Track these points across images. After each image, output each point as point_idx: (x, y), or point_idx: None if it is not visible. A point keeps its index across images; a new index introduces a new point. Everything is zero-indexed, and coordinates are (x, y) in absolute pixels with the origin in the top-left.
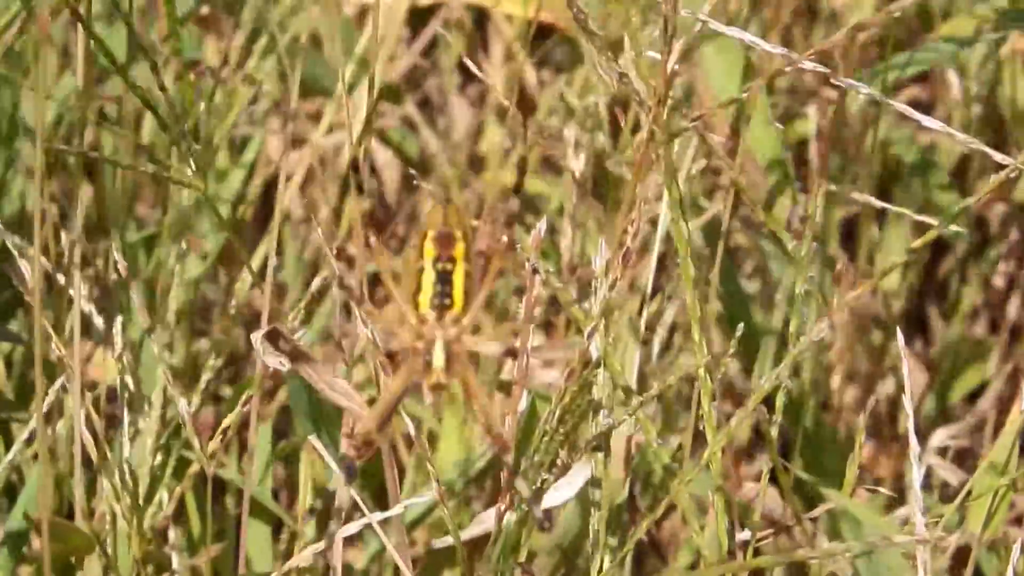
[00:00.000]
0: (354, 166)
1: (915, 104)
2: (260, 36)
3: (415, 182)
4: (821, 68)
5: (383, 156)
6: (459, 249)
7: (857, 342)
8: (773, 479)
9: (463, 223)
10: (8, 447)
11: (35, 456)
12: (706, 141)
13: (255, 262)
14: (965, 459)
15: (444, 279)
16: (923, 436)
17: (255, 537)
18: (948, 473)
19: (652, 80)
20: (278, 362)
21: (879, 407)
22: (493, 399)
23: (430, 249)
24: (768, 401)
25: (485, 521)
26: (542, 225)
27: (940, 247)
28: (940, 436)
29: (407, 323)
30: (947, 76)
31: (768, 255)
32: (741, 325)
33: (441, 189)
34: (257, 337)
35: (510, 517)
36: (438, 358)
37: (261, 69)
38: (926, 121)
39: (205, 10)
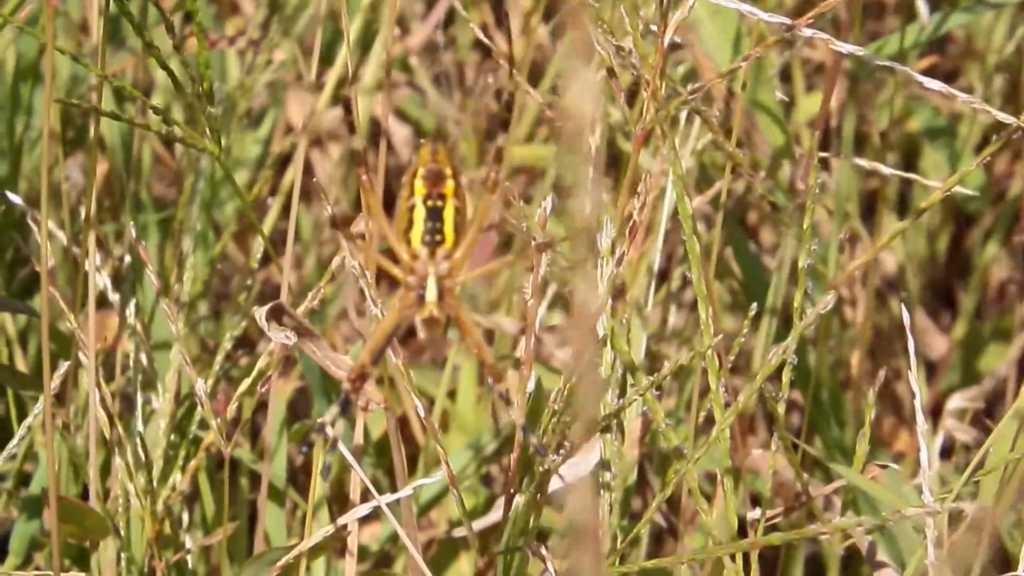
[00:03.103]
0: (346, 107)
1: (935, 73)
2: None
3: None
4: (820, 35)
5: (399, 131)
6: (449, 186)
7: (878, 315)
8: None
9: (452, 161)
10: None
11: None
12: (701, 115)
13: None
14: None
15: (435, 215)
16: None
17: (269, 518)
18: (964, 435)
19: (650, 55)
20: (284, 336)
21: (901, 380)
22: (506, 375)
23: (420, 186)
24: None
25: (496, 511)
26: (548, 203)
27: (969, 220)
28: (957, 400)
29: (400, 259)
30: (970, 43)
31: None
32: (754, 305)
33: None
34: (260, 313)
35: (519, 500)
36: (430, 292)
37: (275, 41)
38: (928, 83)
39: None
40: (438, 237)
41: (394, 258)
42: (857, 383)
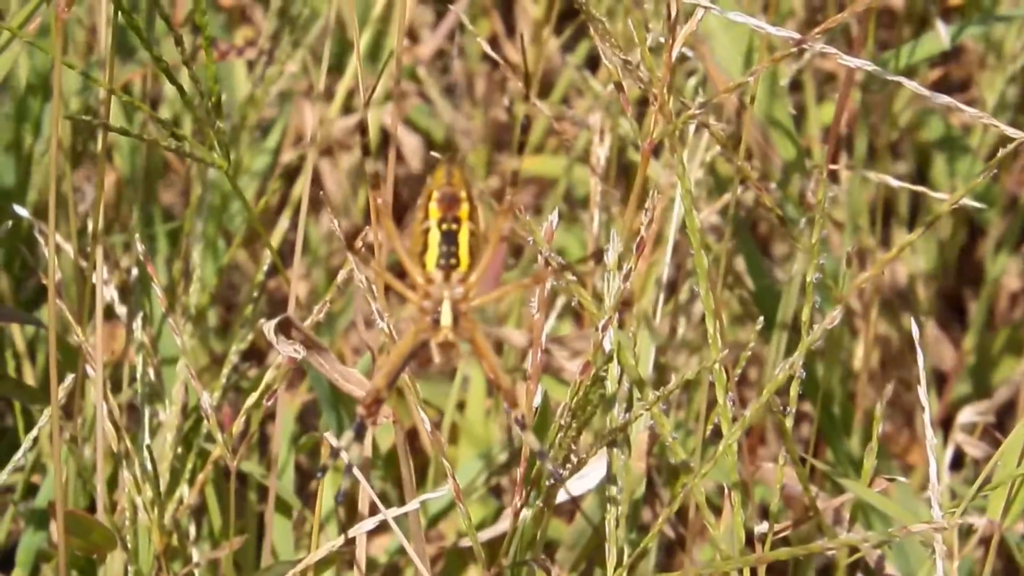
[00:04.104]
0: (362, 129)
1: (947, 82)
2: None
3: (434, 154)
4: (828, 49)
5: (409, 141)
6: (464, 209)
7: (889, 326)
8: (802, 462)
9: (467, 183)
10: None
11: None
12: (709, 128)
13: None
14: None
15: (450, 239)
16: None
17: (277, 530)
18: (974, 449)
19: (657, 68)
20: (292, 350)
21: (913, 391)
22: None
23: (435, 210)
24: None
25: (505, 521)
26: (554, 217)
27: (980, 230)
28: (968, 413)
29: (415, 283)
30: (984, 53)
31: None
32: (761, 319)
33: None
34: (269, 327)
35: (526, 513)
36: (446, 317)
37: (286, 52)
38: (934, 97)
39: None
40: (453, 261)
41: (403, 275)
42: (868, 395)
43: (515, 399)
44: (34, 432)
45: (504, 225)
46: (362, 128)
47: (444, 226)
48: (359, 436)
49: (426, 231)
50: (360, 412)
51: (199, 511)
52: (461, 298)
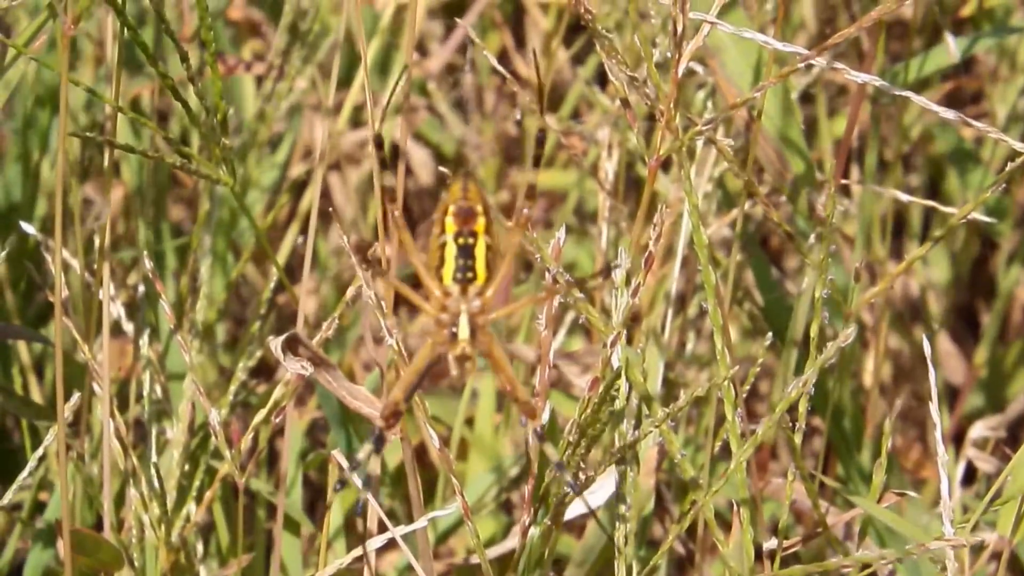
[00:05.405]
0: (377, 143)
1: (960, 94)
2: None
3: (442, 170)
4: (836, 64)
5: (419, 155)
6: (480, 223)
7: (902, 339)
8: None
9: (483, 197)
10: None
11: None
12: (716, 144)
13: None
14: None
15: (466, 253)
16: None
17: (285, 548)
18: (986, 464)
19: (664, 84)
20: (300, 367)
21: (925, 405)
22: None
23: (451, 224)
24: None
25: (514, 538)
26: (561, 234)
27: (994, 244)
28: (980, 428)
29: (431, 296)
30: (997, 65)
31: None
32: (769, 335)
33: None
34: (276, 344)
35: (535, 530)
36: (463, 330)
37: (296, 67)
38: (942, 112)
39: (239, 11)
40: (470, 274)
41: (418, 287)
42: (879, 409)
43: (533, 411)
44: (40, 450)
45: (520, 238)
46: (378, 142)
47: (461, 240)
48: (377, 448)
49: (443, 245)
50: (378, 424)
51: (207, 528)
52: (478, 311)
